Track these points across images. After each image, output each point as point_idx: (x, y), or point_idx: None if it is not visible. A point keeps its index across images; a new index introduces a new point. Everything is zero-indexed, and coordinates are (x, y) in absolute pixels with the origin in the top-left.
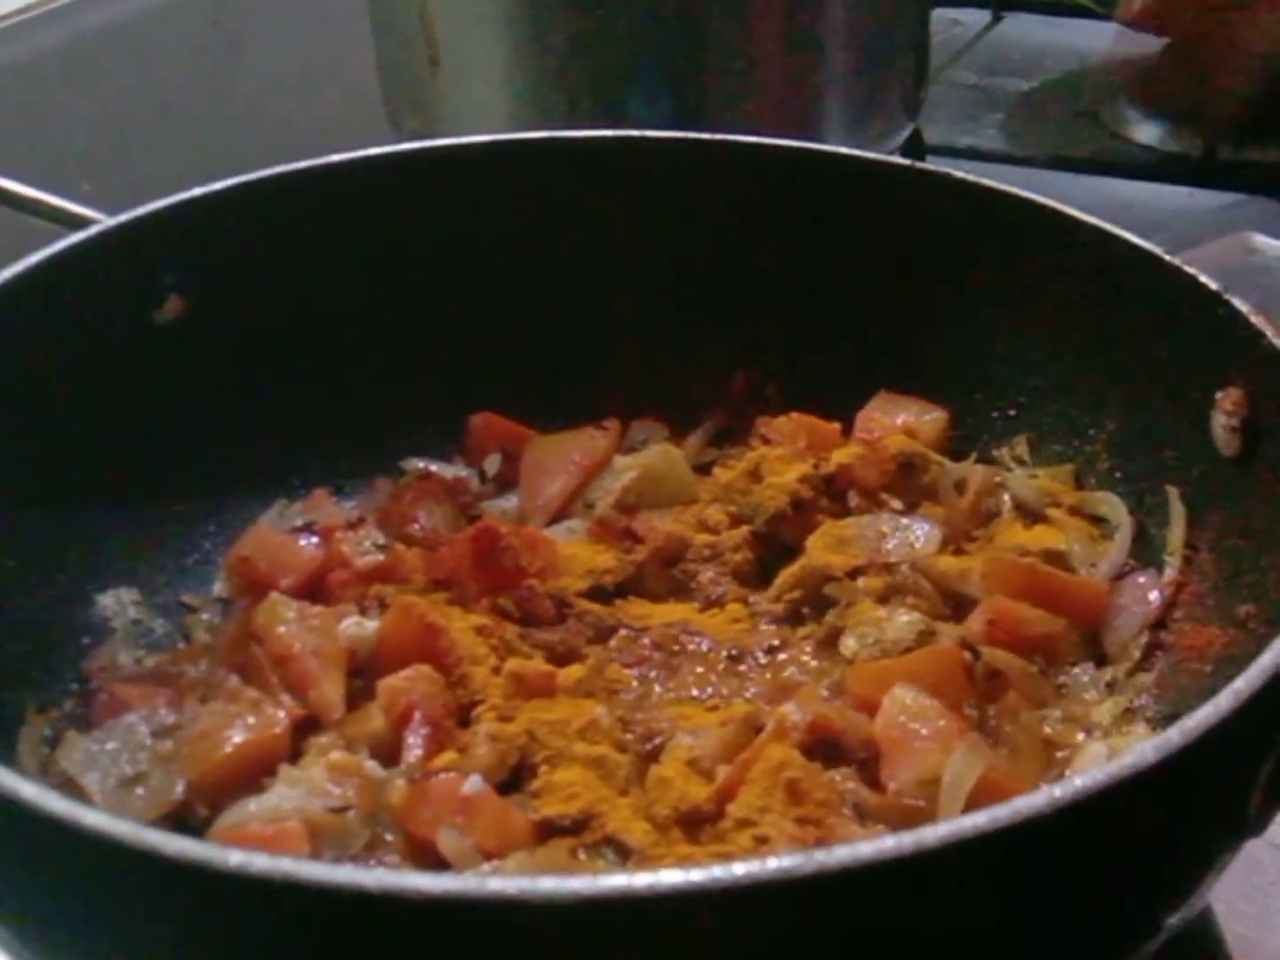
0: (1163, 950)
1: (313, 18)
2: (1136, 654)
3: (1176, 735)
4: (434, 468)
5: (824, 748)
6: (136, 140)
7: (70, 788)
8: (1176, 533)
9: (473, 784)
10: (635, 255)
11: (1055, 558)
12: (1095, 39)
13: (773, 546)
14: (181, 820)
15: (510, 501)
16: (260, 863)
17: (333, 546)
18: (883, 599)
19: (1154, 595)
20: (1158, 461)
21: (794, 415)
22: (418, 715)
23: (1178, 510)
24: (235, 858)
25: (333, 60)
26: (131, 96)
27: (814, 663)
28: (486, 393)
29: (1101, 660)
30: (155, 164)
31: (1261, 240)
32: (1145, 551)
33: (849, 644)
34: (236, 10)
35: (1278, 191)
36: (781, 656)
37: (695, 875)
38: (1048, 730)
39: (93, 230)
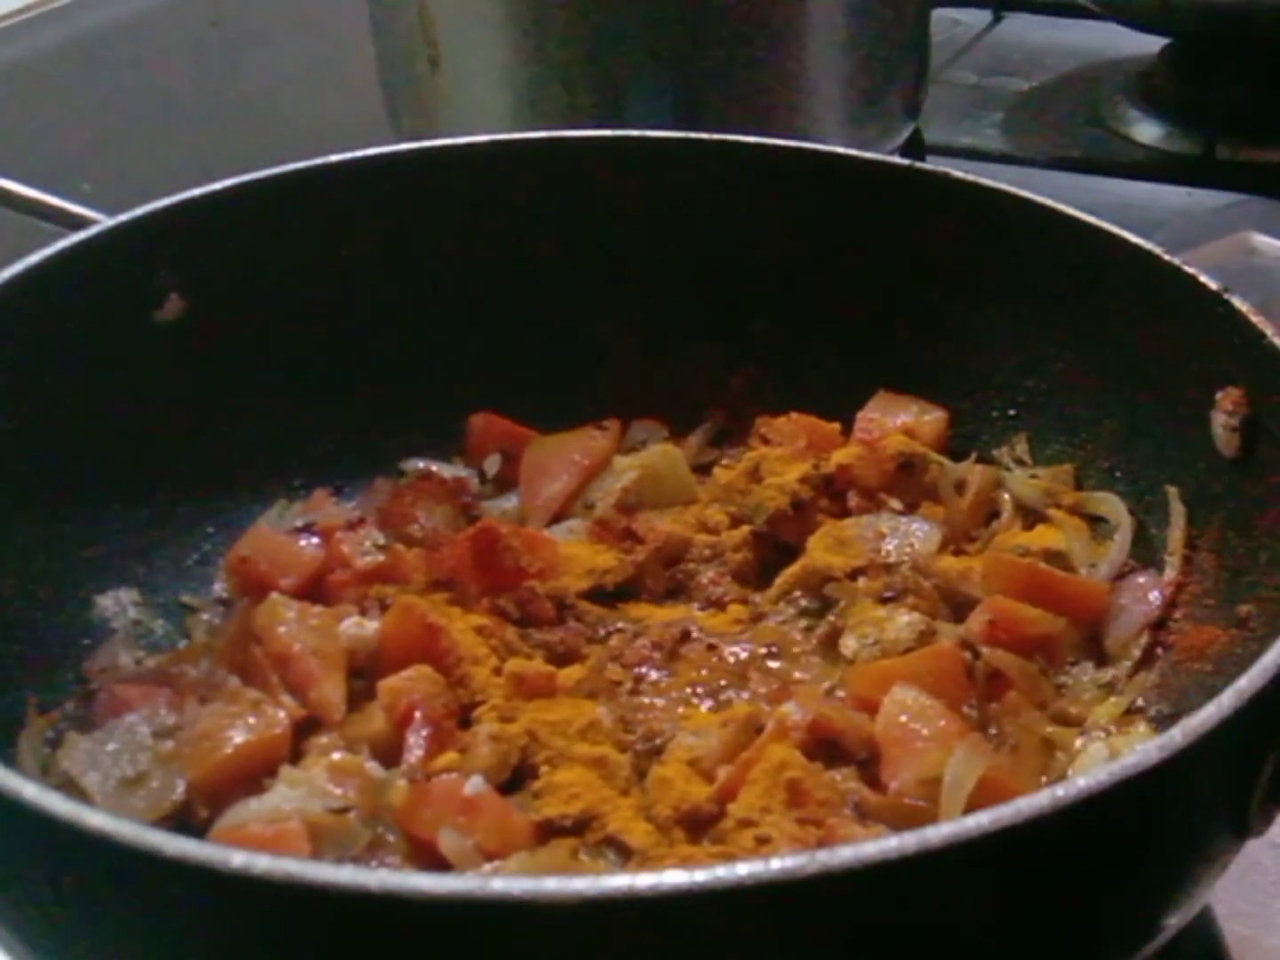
0: (1163, 950)
1: (313, 18)
2: (1137, 654)
3: (1180, 735)
4: (434, 468)
5: (824, 748)
6: (136, 140)
7: (71, 788)
8: (1176, 533)
9: (474, 784)
10: (635, 255)
11: (1055, 557)
12: (1095, 39)
13: (773, 547)
14: (182, 821)
15: (510, 501)
16: (262, 863)
17: (333, 547)
18: (883, 599)
19: (1154, 595)
20: (1158, 461)
21: (794, 415)
22: (418, 716)
23: (1178, 510)
24: (237, 859)
25: (333, 60)
26: (131, 96)
27: (814, 662)
28: (486, 393)
29: (1102, 660)
30: (155, 164)
31: (1261, 240)
32: (1145, 551)
33: (849, 644)
34: (236, 10)
35: (1278, 191)
36: (782, 657)
37: (699, 875)
38: (1048, 730)
39: (93, 230)
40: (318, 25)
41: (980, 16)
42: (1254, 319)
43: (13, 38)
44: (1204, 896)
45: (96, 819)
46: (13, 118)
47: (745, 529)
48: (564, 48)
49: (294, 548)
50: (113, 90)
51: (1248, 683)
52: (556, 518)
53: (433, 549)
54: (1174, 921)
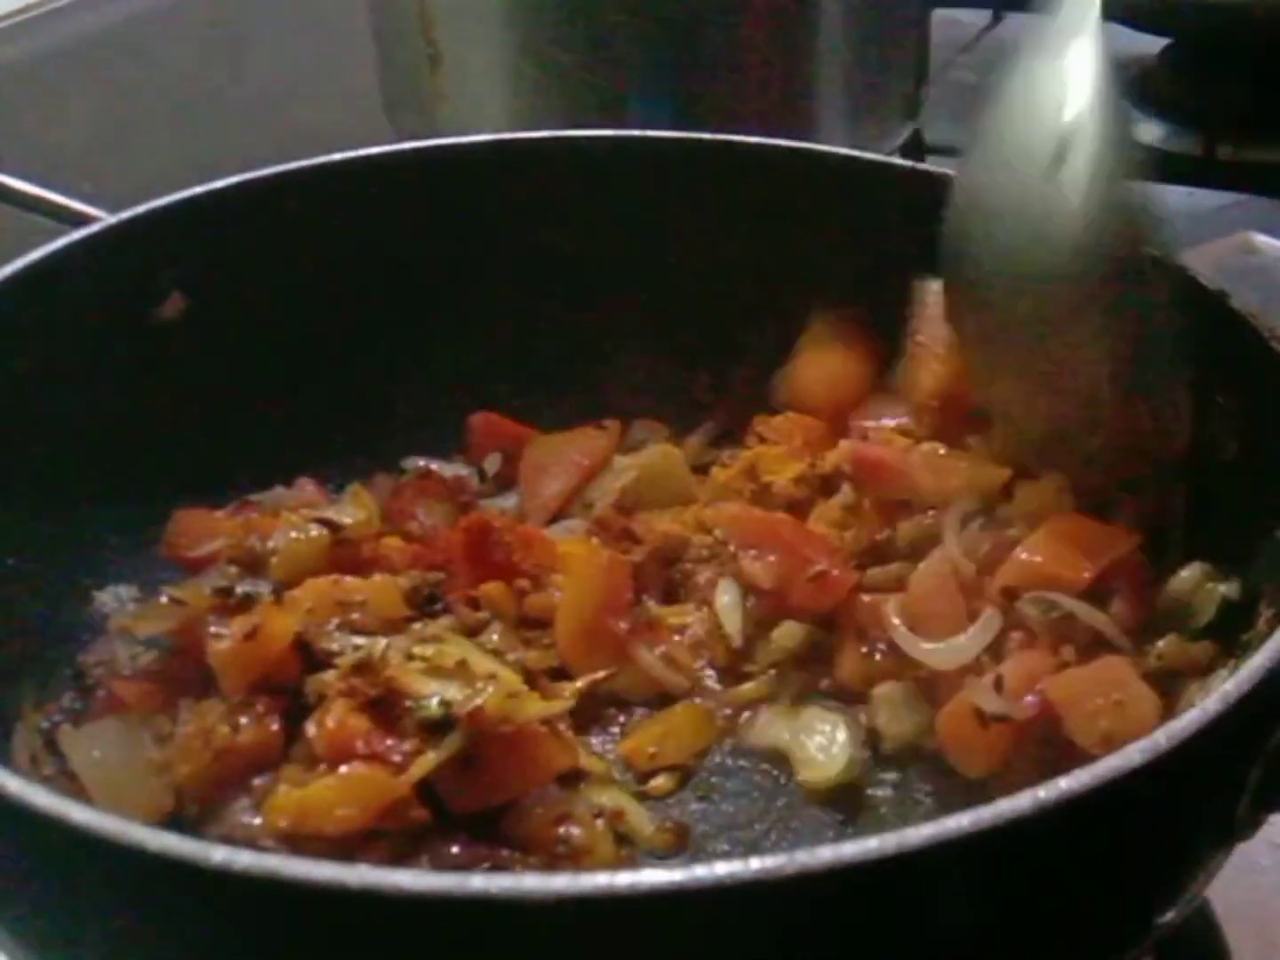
0: (1163, 950)
1: (313, 18)
2: None
3: (1164, 738)
4: (434, 466)
5: None
6: (137, 139)
7: (63, 782)
8: (1176, 534)
9: None
10: (635, 255)
11: None
12: None
13: None
14: (176, 817)
15: (510, 500)
16: (243, 860)
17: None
18: None
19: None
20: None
21: (791, 414)
22: None
23: (1177, 512)
24: (218, 855)
25: (333, 60)
26: (132, 96)
27: None
28: (487, 393)
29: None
30: (156, 162)
31: (1261, 240)
32: (1147, 553)
33: None
34: (236, 10)
35: (1278, 191)
36: None
37: (677, 875)
38: None
39: (94, 228)
40: (318, 25)
41: (980, 16)
42: (1254, 319)
43: (13, 38)
44: (1192, 898)
45: (81, 815)
46: (14, 116)
47: None
48: (564, 48)
49: (211, 519)
50: (113, 89)
51: (1234, 687)
52: (556, 517)
53: (431, 545)
54: (1162, 923)
